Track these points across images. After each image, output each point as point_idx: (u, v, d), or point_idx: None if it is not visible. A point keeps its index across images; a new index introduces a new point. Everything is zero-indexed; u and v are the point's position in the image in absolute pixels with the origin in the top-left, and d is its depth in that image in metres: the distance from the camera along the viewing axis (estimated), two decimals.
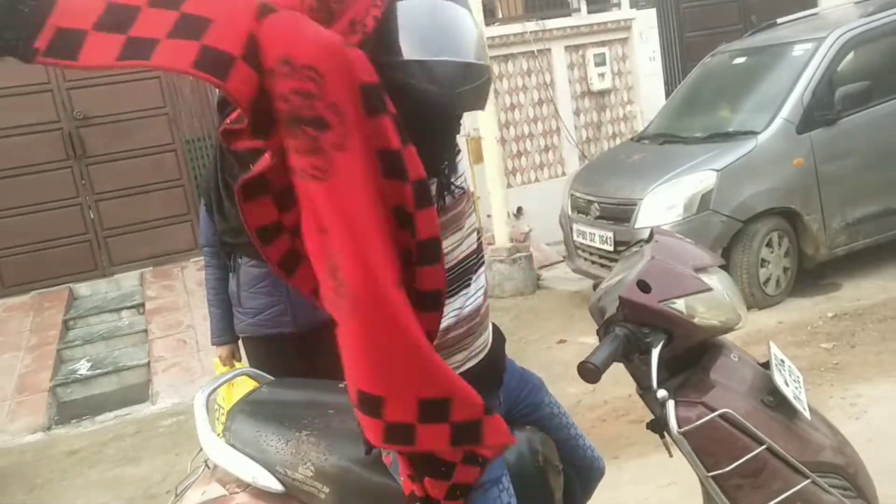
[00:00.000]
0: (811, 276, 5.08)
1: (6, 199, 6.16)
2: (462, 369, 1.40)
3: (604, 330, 1.32)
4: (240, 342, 2.54)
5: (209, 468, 1.83)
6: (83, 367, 5.27)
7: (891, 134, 4.90)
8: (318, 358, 2.27)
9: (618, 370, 1.48)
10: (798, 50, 5.10)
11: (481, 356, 1.44)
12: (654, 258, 1.36)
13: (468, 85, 1.15)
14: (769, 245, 4.78)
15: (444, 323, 1.30)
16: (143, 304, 5.90)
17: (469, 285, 1.37)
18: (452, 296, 1.33)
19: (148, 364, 5.17)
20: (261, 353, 2.42)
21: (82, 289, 6.30)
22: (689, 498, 1.51)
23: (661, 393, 1.26)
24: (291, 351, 2.39)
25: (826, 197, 4.86)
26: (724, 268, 4.84)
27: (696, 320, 1.30)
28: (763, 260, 4.76)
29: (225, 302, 2.46)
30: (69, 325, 5.79)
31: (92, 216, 6.40)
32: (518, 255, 5.91)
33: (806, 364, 3.83)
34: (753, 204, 4.69)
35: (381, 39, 1.12)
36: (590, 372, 1.19)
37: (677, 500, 2.64)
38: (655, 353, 1.25)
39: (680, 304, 1.29)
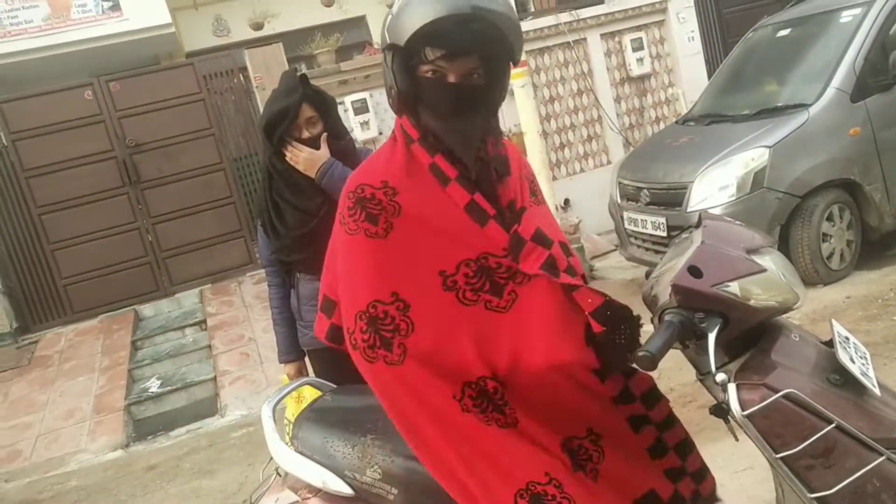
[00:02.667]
0: (877, 247, 4.91)
1: (70, 229, 6.47)
2: None
3: (658, 318, 1.31)
4: (306, 357, 2.58)
5: (280, 476, 1.89)
6: (154, 385, 5.47)
7: None
8: None
9: (680, 357, 1.47)
10: (846, 16, 4.93)
11: None
12: (703, 243, 1.34)
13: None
14: (830, 219, 4.63)
15: None
16: (204, 321, 6.08)
17: None
18: None
19: (214, 378, 5.32)
20: (326, 365, 2.45)
21: (146, 310, 6.55)
22: (766, 483, 1.48)
23: (721, 377, 1.24)
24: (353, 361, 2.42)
25: (887, 164, 4.69)
26: (783, 246, 4.72)
27: (751, 302, 1.28)
28: (825, 234, 4.62)
29: (288, 320, 2.50)
30: (137, 345, 6.02)
31: (150, 239, 6.66)
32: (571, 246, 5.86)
33: (880, 338, 3.70)
34: (810, 178, 4.55)
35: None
36: (646, 360, 1.19)
37: (754, 485, 2.59)
38: (712, 337, 1.24)
39: (734, 287, 1.27)
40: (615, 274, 5.87)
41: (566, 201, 7.22)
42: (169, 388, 5.38)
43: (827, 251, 4.64)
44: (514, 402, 1.35)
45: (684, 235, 1.58)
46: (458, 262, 1.39)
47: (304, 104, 2.25)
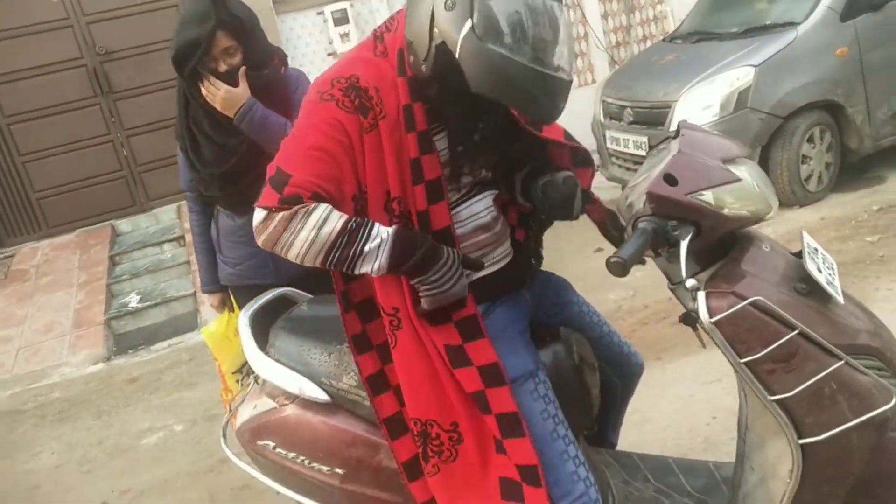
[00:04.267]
0: (855, 170, 4.95)
1: (40, 140, 6.27)
2: (483, 273, 1.51)
3: (632, 225, 1.31)
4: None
5: (258, 384, 1.91)
6: (133, 301, 5.47)
7: None
8: None
9: (655, 275, 1.49)
10: None
11: (502, 263, 1.56)
12: (680, 151, 1.33)
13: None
14: (810, 141, 4.64)
15: (460, 230, 1.48)
16: (182, 237, 6.03)
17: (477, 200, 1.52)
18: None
19: (194, 294, 5.33)
20: (246, 302, 2.37)
21: (123, 225, 6.48)
22: (732, 394, 1.53)
23: (691, 282, 1.26)
24: None
25: (871, 87, 4.67)
26: (762, 166, 4.73)
27: (725, 211, 1.28)
28: (804, 156, 4.63)
29: (209, 250, 2.36)
30: (115, 260, 5.98)
31: (125, 153, 6.50)
32: None
33: (850, 258, 3.77)
34: (794, 99, 4.53)
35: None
36: (618, 266, 1.20)
37: (723, 396, 2.68)
38: (684, 245, 1.25)
39: (708, 196, 1.27)
40: (595, 194, 5.86)
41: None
42: (148, 303, 5.38)
43: (805, 173, 4.67)
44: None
45: (662, 146, 1.57)
46: (397, 195, 1.41)
47: (220, 32, 1.98)
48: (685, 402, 2.85)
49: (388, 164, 1.39)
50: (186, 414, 3.77)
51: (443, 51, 1.28)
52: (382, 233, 1.37)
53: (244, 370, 2.33)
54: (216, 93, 2.02)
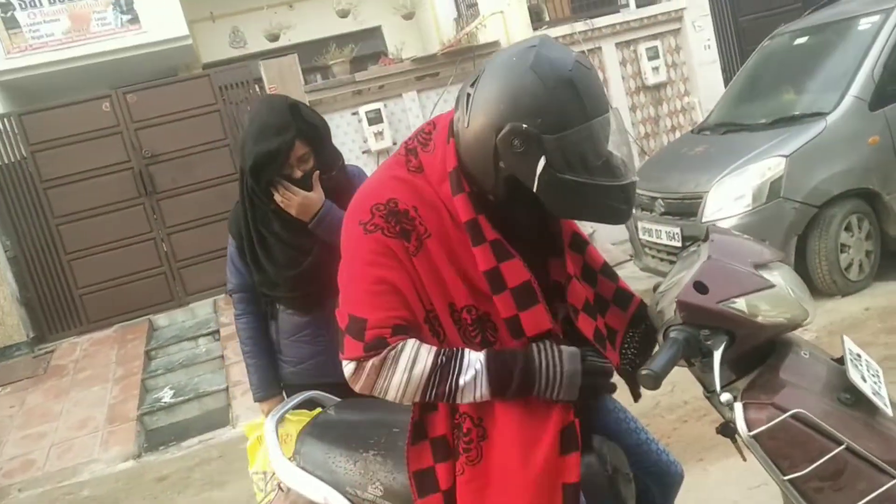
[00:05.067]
0: None
1: (86, 239, 6.53)
2: None
3: (663, 334, 1.28)
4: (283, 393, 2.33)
5: (283, 491, 1.87)
6: (167, 395, 5.49)
7: None
8: None
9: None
10: (864, 23, 4.86)
11: None
12: (710, 258, 1.30)
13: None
14: (848, 229, 4.55)
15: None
16: (217, 331, 6.10)
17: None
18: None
19: (226, 389, 5.33)
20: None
21: (161, 319, 6.59)
22: (780, 499, 1.44)
23: (725, 396, 1.21)
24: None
25: None
26: (800, 257, 4.63)
27: (759, 319, 1.24)
28: (843, 245, 4.54)
29: (266, 351, 2.25)
30: (151, 354, 6.05)
31: (165, 249, 6.70)
32: None
33: None
34: (828, 187, 4.48)
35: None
36: (649, 379, 1.16)
37: (768, 500, 2.52)
38: (717, 355, 1.20)
39: (740, 304, 1.23)
40: (630, 284, 5.78)
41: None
42: (181, 398, 5.39)
43: (845, 262, 4.56)
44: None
45: (692, 249, 1.54)
46: (465, 304, 1.38)
47: (298, 142, 1.98)
48: None
49: (448, 279, 1.36)
50: None
51: (513, 182, 1.30)
52: (475, 363, 1.33)
53: (266, 474, 2.27)
54: (293, 199, 2.01)
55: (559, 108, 1.23)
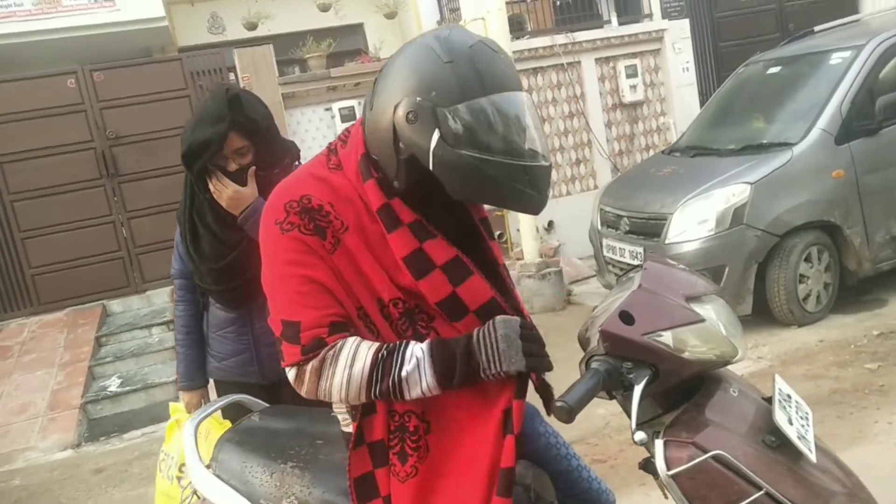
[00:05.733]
0: (854, 292, 4.86)
1: (42, 218, 6.35)
2: None
3: (585, 364, 1.23)
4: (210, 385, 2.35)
5: (199, 498, 1.80)
6: (113, 384, 5.35)
7: None
8: None
9: None
10: (836, 58, 4.91)
11: None
12: (640, 286, 1.26)
13: None
14: (808, 260, 4.58)
15: None
16: (172, 321, 5.94)
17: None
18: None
19: (175, 381, 5.19)
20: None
21: (115, 305, 6.43)
22: None
23: (640, 435, 1.16)
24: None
25: (869, 209, 4.65)
26: (759, 285, 4.62)
27: (685, 354, 1.20)
28: (802, 276, 4.56)
29: (197, 342, 2.27)
30: (101, 341, 5.89)
31: (124, 234, 6.53)
32: (547, 270, 5.81)
33: (849, 386, 3.63)
34: (790, 218, 4.50)
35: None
36: (563, 412, 1.11)
37: None
38: (638, 390, 1.16)
39: (666, 337, 1.19)
40: (592, 300, 5.81)
41: (550, 223, 7.16)
42: (128, 388, 5.25)
43: (803, 292, 4.58)
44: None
45: (631, 275, 1.50)
46: (392, 298, 1.33)
47: (233, 134, 1.98)
48: None
49: (370, 273, 1.32)
50: None
51: (413, 164, 1.24)
52: (417, 351, 1.28)
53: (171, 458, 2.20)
54: (224, 191, 2.00)
55: (455, 82, 1.19)
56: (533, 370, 1.30)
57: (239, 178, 2.02)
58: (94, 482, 4.08)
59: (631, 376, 1.18)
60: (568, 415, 1.11)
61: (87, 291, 6.42)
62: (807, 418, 1.34)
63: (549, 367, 1.33)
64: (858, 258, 4.68)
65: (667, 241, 4.57)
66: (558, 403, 1.12)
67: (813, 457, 1.24)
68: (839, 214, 4.60)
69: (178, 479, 2.26)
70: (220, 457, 1.72)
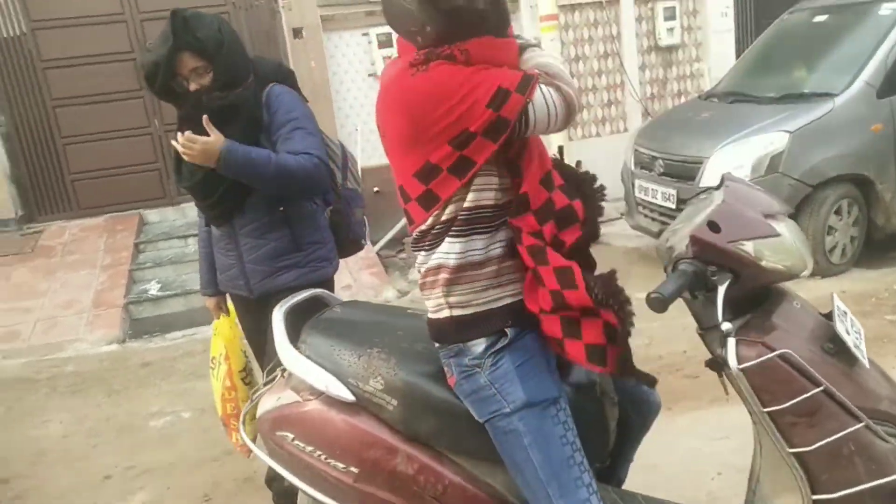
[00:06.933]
0: (880, 247, 4.95)
1: (82, 125, 6.45)
2: (501, 304, 1.52)
3: (672, 266, 1.37)
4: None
5: (283, 377, 1.96)
6: (154, 288, 5.56)
7: None
8: (265, 323, 2.10)
9: (672, 327, 1.53)
10: (886, 9, 4.87)
11: (520, 296, 1.54)
12: (725, 201, 1.39)
13: None
14: (838, 212, 4.67)
15: (474, 258, 1.49)
16: None
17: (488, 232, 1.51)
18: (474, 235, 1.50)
19: None
20: (240, 308, 2.44)
21: (151, 215, 6.61)
22: (741, 452, 1.56)
23: (727, 326, 1.31)
24: (248, 312, 2.40)
25: None
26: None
27: (763, 263, 1.34)
28: (830, 227, 4.66)
29: (209, 254, 2.40)
30: (140, 248, 6.09)
31: (162, 146, 6.64)
32: None
33: (869, 335, 3.69)
34: (825, 169, 4.57)
35: None
36: (657, 302, 1.25)
37: (730, 453, 2.68)
38: (721, 290, 1.30)
39: (748, 246, 1.33)
40: (618, 241, 5.92)
41: (578, 163, 7.16)
42: (168, 292, 5.47)
43: (830, 244, 4.69)
44: None
45: (703, 196, 1.63)
46: None
47: (185, 54, 2.00)
48: (693, 455, 2.86)
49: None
50: (196, 403, 3.80)
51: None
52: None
53: (265, 367, 2.38)
54: (194, 148, 2.00)
55: None
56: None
57: (197, 99, 2.07)
58: (143, 374, 4.32)
59: (715, 278, 1.32)
60: (662, 304, 1.25)
61: (125, 200, 6.58)
62: (860, 333, 1.49)
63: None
64: (887, 213, 4.76)
65: (701, 185, 4.64)
66: (653, 295, 1.26)
67: (867, 363, 1.39)
68: (873, 168, 4.66)
69: (243, 379, 2.49)
70: (308, 340, 1.86)
